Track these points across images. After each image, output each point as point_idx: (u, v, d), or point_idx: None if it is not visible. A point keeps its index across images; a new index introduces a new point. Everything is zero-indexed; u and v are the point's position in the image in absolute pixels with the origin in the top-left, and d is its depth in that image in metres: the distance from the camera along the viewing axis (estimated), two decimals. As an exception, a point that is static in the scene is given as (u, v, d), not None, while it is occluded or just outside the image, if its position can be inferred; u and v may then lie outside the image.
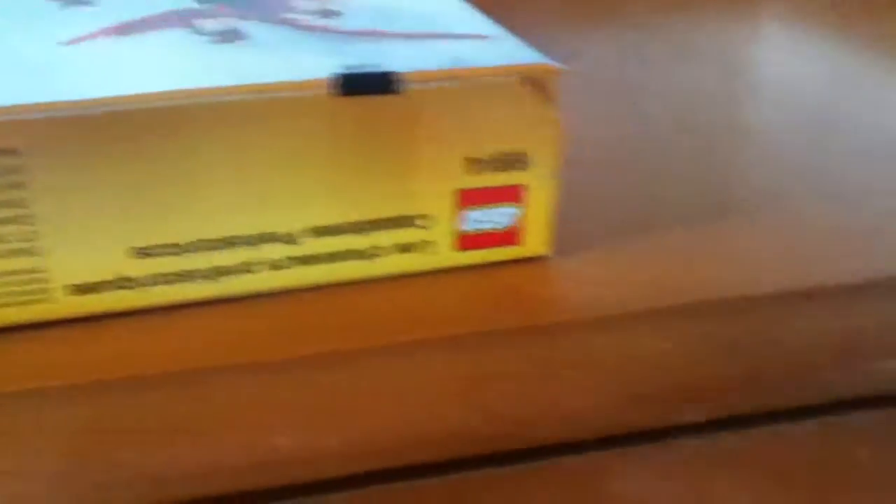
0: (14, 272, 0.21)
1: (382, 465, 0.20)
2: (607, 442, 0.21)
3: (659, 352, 0.21)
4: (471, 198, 0.23)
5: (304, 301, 0.23)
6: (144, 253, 0.22)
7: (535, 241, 0.24)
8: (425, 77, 0.22)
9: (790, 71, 0.43)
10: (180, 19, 0.26)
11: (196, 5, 0.27)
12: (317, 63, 0.22)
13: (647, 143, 0.34)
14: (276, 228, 0.22)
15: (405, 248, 0.24)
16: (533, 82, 0.22)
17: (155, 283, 0.22)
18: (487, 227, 0.24)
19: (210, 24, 0.25)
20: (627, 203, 0.28)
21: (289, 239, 0.23)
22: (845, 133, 0.34)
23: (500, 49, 0.24)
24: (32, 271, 0.21)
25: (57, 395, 0.20)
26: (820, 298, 0.23)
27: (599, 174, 0.31)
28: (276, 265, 0.23)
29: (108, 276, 0.22)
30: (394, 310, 0.23)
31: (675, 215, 0.27)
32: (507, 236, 0.24)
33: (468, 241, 0.24)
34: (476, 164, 0.23)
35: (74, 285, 0.22)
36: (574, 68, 0.41)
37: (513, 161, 0.23)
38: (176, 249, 0.22)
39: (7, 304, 0.21)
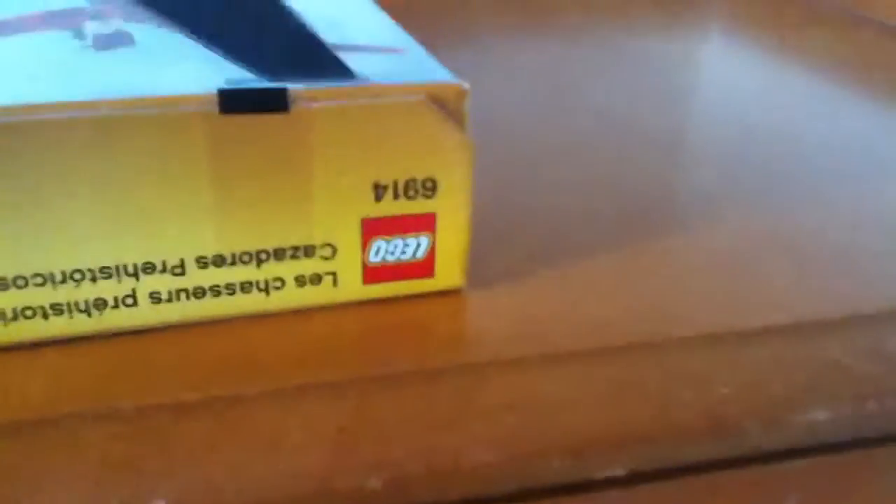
0: None
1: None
2: (519, 497, 0.20)
3: (575, 398, 0.20)
4: (378, 227, 0.21)
5: (188, 337, 0.21)
6: (5, 284, 0.19)
7: (448, 273, 0.23)
8: (318, 94, 0.19)
9: (724, 81, 0.42)
10: (65, 20, 0.23)
11: (86, 4, 0.25)
12: (201, 75, 0.20)
13: (567, 158, 0.32)
14: (160, 257, 0.20)
15: (306, 281, 0.22)
16: (439, 102, 0.20)
17: (21, 318, 0.20)
18: (396, 258, 0.22)
19: (96, 27, 0.23)
20: (548, 226, 0.27)
21: (174, 269, 0.21)
22: (774, 145, 0.33)
23: (407, 65, 0.22)
24: None
25: None
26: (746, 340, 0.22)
27: (516, 195, 0.29)
28: (160, 298, 0.21)
29: (-33, 310, 0.19)
30: (285, 348, 0.21)
31: (595, 239, 0.26)
32: (417, 268, 0.22)
33: (376, 273, 0.22)
34: (383, 190, 0.21)
35: (-74, 320, 0.19)
36: (491, 80, 0.39)
37: (422, 187, 0.21)
38: (42, 280, 0.20)
39: None
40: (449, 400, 0.19)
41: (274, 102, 0.19)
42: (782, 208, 0.28)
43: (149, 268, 0.20)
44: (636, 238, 0.26)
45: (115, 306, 0.21)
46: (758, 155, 0.33)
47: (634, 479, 0.20)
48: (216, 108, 0.19)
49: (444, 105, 0.21)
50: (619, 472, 0.20)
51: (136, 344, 0.21)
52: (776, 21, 0.50)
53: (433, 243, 0.22)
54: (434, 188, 0.21)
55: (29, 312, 0.20)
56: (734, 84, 0.41)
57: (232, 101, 0.19)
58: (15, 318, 0.20)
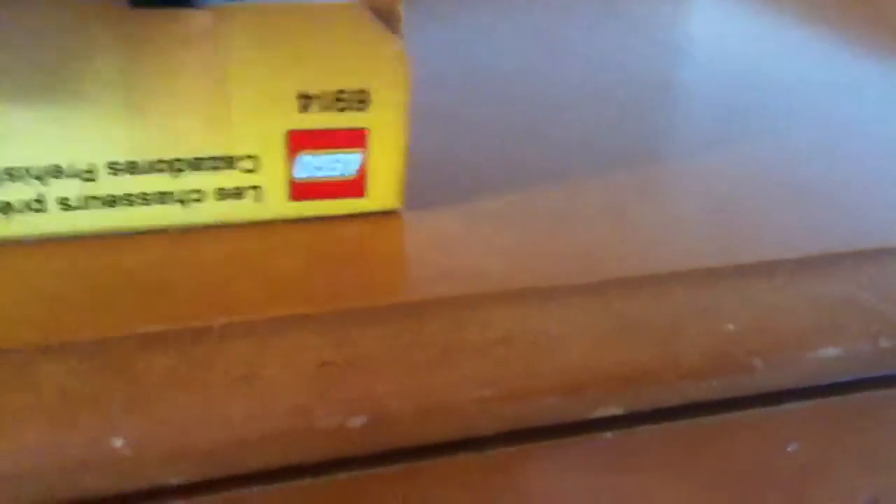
0: None
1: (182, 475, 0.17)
2: (511, 437, 0.18)
3: (569, 333, 0.18)
4: (305, 140, 0.20)
5: (99, 249, 0.20)
6: None
7: (382, 193, 0.21)
8: (234, -9, 0.18)
9: (715, 31, 0.40)
10: None
11: None
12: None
13: (547, 98, 0.31)
14: (69, 161, 0.19)
15: (227, 195, 0.20)
16: (374, 8, 0.19)
17: (-82, 218, 0.19)
18: (326, 174, 0.21)
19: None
20: (490, 156, 0.25)
21: (84, 175, 0.19)
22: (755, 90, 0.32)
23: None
24: None
25: None
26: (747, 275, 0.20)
27: (459, 123, 0.27)
28: (69, 204, 0.20)
29: None
30: (199, 269, 0.19)
31: (542, 171, 0.24)
32: (348, 186, 0.21)
33: (302, 189, 0.21)
34: (309, 101, 0.20)
35: None
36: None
37: (353, 100, 0.20)
38: (-59, 180, 0.19)
39: None
40: (435, 333, 0.18)
41: (182, -4, 0.18)
42: (775, 149, 0.27)
43: (57, 172, 0.19)
44: (623, 173, 0.25)
45: (22, 211, 0.19)
46: (750, 100, 0.31)
47: (633, 418, 0.19)
48: (125, 2, 0.17)
49: (379, 12, 0.19)
50: (616, 410, 0.18)
51: (74, 265, 0.20)
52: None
53: (365, 160, 0.21)
54: (366, 101, 0.20)
55: (-71, 213, 0.19)
56: (725, 34, 0.39)
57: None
58: (-86, 217, 0.19)
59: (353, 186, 0.21)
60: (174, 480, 0.16)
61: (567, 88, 0.31)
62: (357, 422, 0.16)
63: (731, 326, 0.19)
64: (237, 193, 0.20)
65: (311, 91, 0.19)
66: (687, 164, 0.26)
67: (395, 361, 0.17)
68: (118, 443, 0.16)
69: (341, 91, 0.20)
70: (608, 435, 0.19)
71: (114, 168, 0.19)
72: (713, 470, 0.21)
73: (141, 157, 0.19)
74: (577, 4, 0.41)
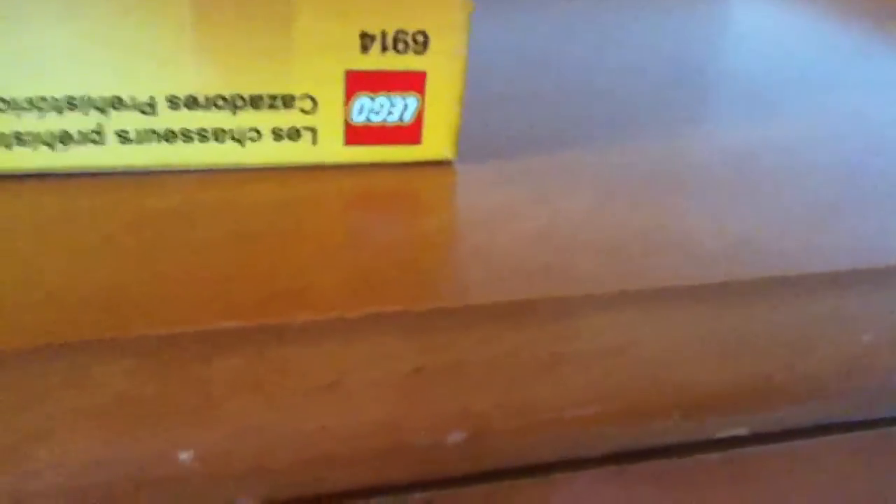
0: None
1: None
2: (622, 457, 0.17)
3: (682, 342, 0.17)
4: (363, 82, 0.20)
5: (149, 184, 0.20)
6: (-34, 104, 0.19)
7: (437, 142, 0.21)
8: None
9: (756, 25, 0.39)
10: None
11: None
12: None
13: (576, 62, 0.30)
14: (129, 93, 0.19)
15: (283, 135, 0.20)
16: (439, -53, 0.19)
17: (-20, 143, 0.19)
18: (382, 119, 0.21)
19: None
20: (543, 116, 0.25)
21: (144, 108, 0.19)
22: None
23: None
24: None
25: None
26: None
27: (510, 80, 0.27)
28: (128, 137, 0.20)
29: (-75, 129, 0.19)
30: (248, 213, 0.19)
31: (607, 139, 0.24)
32: (405, 132, 0.21)
33: (358, 133, 0.21)
34: (370, 40, 0.20)
35: None
36: None
37: (413, 41, 0.20)
38: (5, 105, 0.19)
39: None
40: (538, 341, 0.17)
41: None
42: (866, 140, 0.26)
43: (117, 103, 0.19)
44: (707, 153, 0.24)
45: (81, 141, 0.20)
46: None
47: (758, 439, 0.18)
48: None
49: (443, -47, 0.19)
50: (741, 431, 0.17)
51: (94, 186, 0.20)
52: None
53: (422, 106, 0.21)
54: (425, 43, 0.20)
55: (-9, 138, 0.19)
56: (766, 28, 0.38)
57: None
58: (-25, 143, 0.19)
59: (410, 132, 0.21)
60: (246, 501, 0.15)
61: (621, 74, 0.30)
62: (455, 438, 0.16)
63: (866, 337, 0.18)
64: (294, 134, 0.20)
65: (372, 30, 0.19)
66: (779, 149, 0.25)
67: (496, 371, 0.16)
68: (185, 456, 0.15)
69: (401, 31, 0.19)
70: (728, 455, 0.18)
71: (173, 102, 0.19)
72: (843, 491, 0.20)
73: (201, 91, 0.19)
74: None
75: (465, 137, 0.21)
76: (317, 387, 0.16)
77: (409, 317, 0.16)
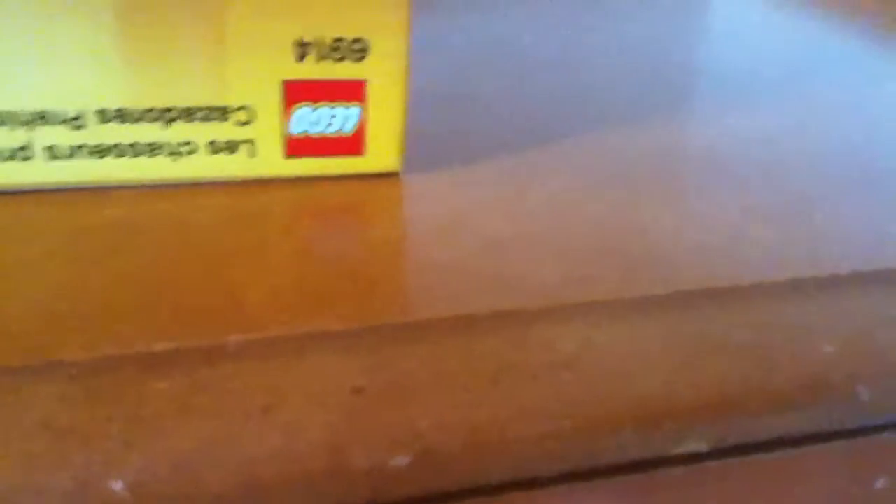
0: None
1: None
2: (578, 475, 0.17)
3: (639, 353, 0.16)
4: (301, 91, 0.19)
5: (83, 200, 0.19)
6: None
7: (381, 153, 0.21)
8: (229, -75, 0.17)
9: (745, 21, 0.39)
10: None
11: None
12: None
13: (517, 64, 0.30)
14: (57, 107, 0.18)
15: (219, 148, 0.20)
16: (373, -50, 0.18)
17: None
18: (322, 130, 0.20)
19: None
20: (492, 119, 0.25)
21: (73, 122, 0.19)
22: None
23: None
24: None
25: None
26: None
27: (457, 84, 0.27)
28: (57, 153, 0.19)
29: None
30: (185, 229, 0.19)
31: (566, 144, 0.24)
32: (346, 143, 0.20)
33: (299, 145, 0.20)
34: (306, 48, 0.19)
35: None
36: None
37: (351, 48, 0.19)
38: (-77, 121, 0.18)
39: None
40: (486, 355, 0.16)
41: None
42: (843, 138, 0.26)
43: (44, 117, 0.19)
44: (668, 155, 0.23)
45: (8, 158, 0.19)
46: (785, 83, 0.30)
47: (717, 454, 0.17)
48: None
49: (379, -43, 0.19)
50: (701, 446, 0.17)
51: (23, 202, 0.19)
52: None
53: (364, 115, 0.20)
54: (364, 50, 0.19)
55: (-89, 157, 0.18)
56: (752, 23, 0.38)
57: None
58: None
59: (352, 143, 0.20)
60: None
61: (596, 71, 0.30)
62: (399, 461, 0.15)
63: (828, 348, 0.17)
64: (230, 147, 0.20)
65: (308, 38, 0.19)
66: (747, 149, 0.25)
67: (441, 389, 0.15)
68: (117, 486, 0.14)
69: (339, 39, 0.19)
70: (683, 471, 0.17)
71: (103, 115, 0.19)
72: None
73: (132, 104, 0.19)
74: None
75: (410, 144, 0.21)
76: (253, 409, 0.15)
77: (349, 335, 0.16)
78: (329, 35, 0.19)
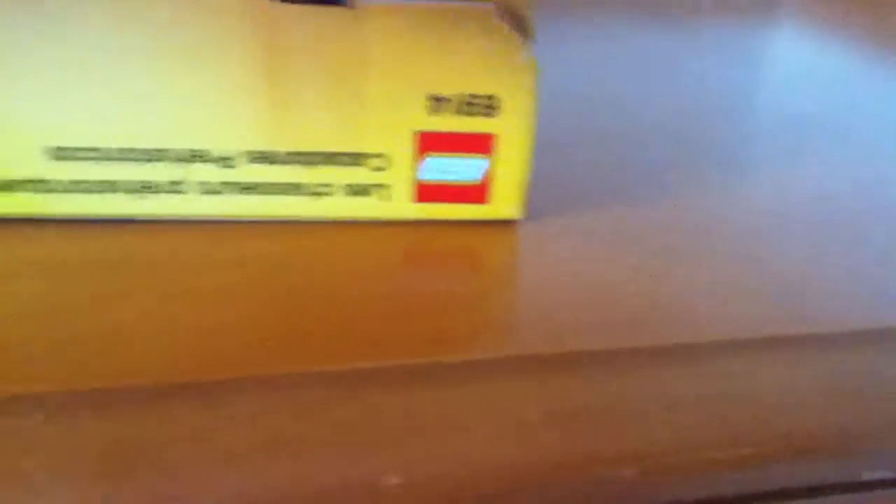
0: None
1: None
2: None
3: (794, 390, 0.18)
4: (433, 142, 0.21)
5: (228, 232, 0.21)
6: (62, 154, 0.20)
7: (504, 202, 0.22)
8: (380, -10, 0.19)
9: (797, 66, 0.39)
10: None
11: None
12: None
13: (635, 115, 0.30)
14: (212, 147, 0.20)
15: (355, 191, 0.21)
16: (510, 16, 0.19)
17: (72, 190, 0.20)
18: (450, 178, 0.21)
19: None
20: (608, 171, 0.25)
21: (225, 161, 0.20)
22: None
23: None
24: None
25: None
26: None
27: (578, 136, 0.27)
28: (208, 189, 0.21)
29: (25, 176, 0.20)
30: (322, 261, 0.20)
31: (671, 192, 0.24)
32: (472, 191, 0.21)
33: (427, 191, 0.21)
34: (440, 103, 0.20)
35: (-15, 179, 0.20)
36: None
37: (482, 104, 0.20)
38: (97, 154, 0.20)
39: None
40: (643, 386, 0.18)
41: (332, -9, 0.19)
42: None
43: (199, 156, 0.20)
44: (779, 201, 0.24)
45: (165, 191, 0.21)
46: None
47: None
48: (275, -6, 0.19)
49: (513, 20, 0.20)
50: (888, 474, 0.18)
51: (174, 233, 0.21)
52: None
53: (490, 167, 0.21)
54: (494, 107, 0.20)
55: (81, 186, 0.20)
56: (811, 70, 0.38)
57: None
58: (67, 190, 0.20)
59: (477, 192, 0.21)
60: None
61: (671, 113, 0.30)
62: (627, 473, 0.16)
63: None
64: (364, 190, 0.21)
65: (442, 93, 0.20)
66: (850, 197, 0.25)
67: (647, 413, 0.17)
68: (393, 479, 0.16)
69: (472, 95, 0.20)
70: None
71: (252, 156, 0.20)
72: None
73: (277, 147, 0.20)
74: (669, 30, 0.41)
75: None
76: (503, 421, 0.16)
77: (535, 361, 0.17)
78: (463, 91, 0.20)
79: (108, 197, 0.21)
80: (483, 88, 0.20)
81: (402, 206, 0.21)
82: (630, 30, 0.42)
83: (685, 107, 0.32)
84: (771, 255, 0.21)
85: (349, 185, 0.21)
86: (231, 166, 0.20)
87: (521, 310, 0.19)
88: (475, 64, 0.20)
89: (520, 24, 0.19)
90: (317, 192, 0.21)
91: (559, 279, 0.20)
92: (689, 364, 0.18)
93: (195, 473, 0.15)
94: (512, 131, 0.21)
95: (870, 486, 0.18)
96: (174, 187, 0.21)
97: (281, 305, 0.18)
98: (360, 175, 0.21)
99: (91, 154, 0.20)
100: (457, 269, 0.20)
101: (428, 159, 0.21)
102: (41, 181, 0.20)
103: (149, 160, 0.20)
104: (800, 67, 0.38)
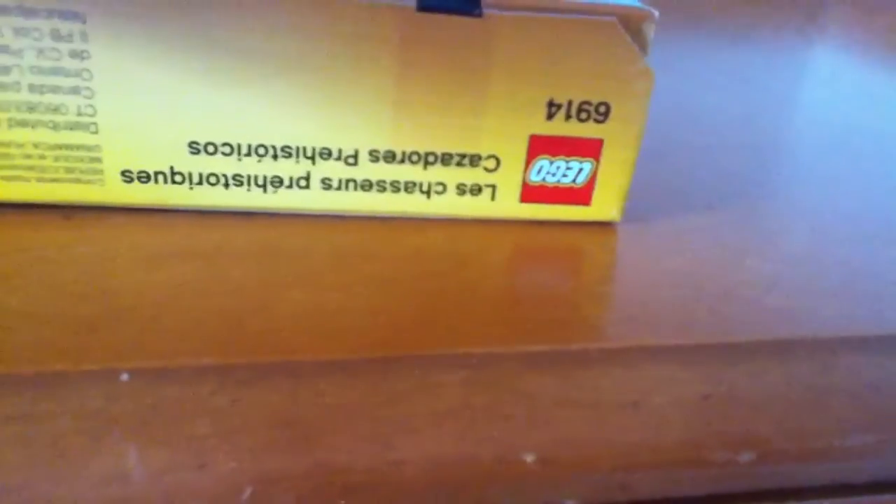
0: (69, 146, 0.21)
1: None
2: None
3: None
4: (544, 145, 0.22)
5: (341, 229, 0.22)
6: (198, 148, 0.21)
7: (606, 204, 0.23)
8: (513, 2, 0.20)
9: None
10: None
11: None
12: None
13: (713, 126, 0.32)
14: (337, 145, 0.21)
15: (466, 190, 0.22)
16: (630, 26, 0.21)
17: (206, 183, 0.22)
18: (557, 180, 0.22)
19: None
20: (697, 177, 0.26)
21: (348, 159, 0.22)
22: None
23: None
24: (87, 149, 0.21)
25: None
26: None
27: (681, 144, 0.29)
28: (330, 185, 0.22)
29: (161, 167, 0.21)
30: (428, 257, 0.21)
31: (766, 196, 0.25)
32: (576, 193, 0.23)
33: (534, 192, 0.23)
34: (556, 108, 0.21)
35: (126, 171, 0.21)
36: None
37: (595, 111, 0.21)
38: (230, 150, 0.21)
39: (59, 180, 0.21)
40: (803, 374, 0.19)
41: (470, 4, 0.20)
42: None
43: (325, 153, 0.22)
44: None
45: (290, 186, 0.22)
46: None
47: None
48: (413, 4, 0.20)
49: (632, 31, 0.21)
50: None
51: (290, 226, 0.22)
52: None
53: (596, 170, 0.22)
54: (606, 113, 0.22)
55: (213, 179, 0.22)
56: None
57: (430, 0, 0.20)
58: (200, 182, 0.22)
59: (581, 194, 0.23)
60: (570, 501, 0.18)
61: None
62: (745, 457, 0.18)
63: None
64: (475, 189, 0.22)
65: (559, 99, 0.21)
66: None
67: (772, 401, 0.18)
68: (529, 458, 0.17)
69: (586, 102, 0.21)
70: None
71: (374, 155, 0.22)
72: None
73: (399, 147, 0.22)
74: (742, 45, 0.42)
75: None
76: (621, 404, 0.18)
77: (688, 350, 0.19)
78: (578, 97, 0.21)
79: (237, 190, 0.22)
80: (598, 95, 0.21)
81: (508, 205, 0.23)
82: (692, 44, 0.43)
83: (758, 117, 0.33)
84: (869, 258, 0.23)
85: (461, 185, 0.22)
86: (354, 164, 0.22)
87: (645, 303, 0.20)
88: (593, 72, 0.21)
89: (637, 35, 0.21)
90: (430, 190, 0.22)
91: (670, 278, 0.21)
92: (807, 359, 0.19)
93: (357, 444, 0.16)
94: (621, 137, 0.22)
95: None
96: (299, 182, 0.22)
97: (431, 293, 0.19)
98: (472, 175, 0.22)
99: (225, 149, 0.21)
100: (570, 265, 0.21)
101: (538, 161, 0.22)
102: (179, 173, 0.21)
103: (277, 156, 0.21)
104: (848, 82, 0.39)
